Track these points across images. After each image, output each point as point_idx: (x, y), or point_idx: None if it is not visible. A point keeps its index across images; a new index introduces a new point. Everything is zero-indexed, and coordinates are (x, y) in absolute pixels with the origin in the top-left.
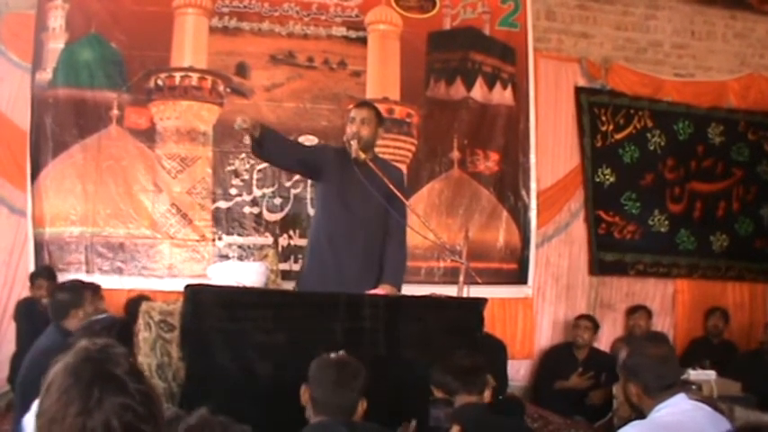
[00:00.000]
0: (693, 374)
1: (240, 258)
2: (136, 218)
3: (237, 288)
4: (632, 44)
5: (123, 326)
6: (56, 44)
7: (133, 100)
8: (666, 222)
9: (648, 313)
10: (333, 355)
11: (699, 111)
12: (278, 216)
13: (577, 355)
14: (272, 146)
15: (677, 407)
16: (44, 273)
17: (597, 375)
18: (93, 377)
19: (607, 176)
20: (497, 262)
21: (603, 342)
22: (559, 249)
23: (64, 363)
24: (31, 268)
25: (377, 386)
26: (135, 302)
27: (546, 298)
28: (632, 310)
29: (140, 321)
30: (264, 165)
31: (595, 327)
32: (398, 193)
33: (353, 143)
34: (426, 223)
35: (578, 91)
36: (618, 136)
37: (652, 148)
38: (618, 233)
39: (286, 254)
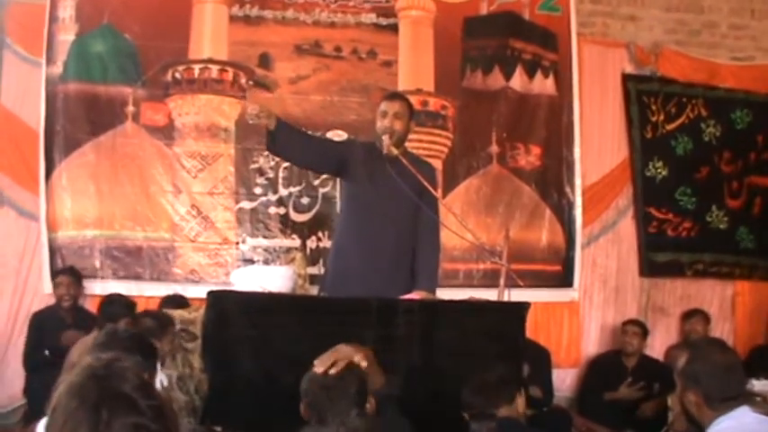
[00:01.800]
0: (758, 385)
1: (265, 262)
2: (154, 220)
3: (263, 294)
4: (684, 26)
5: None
6: (66, 36)
7: (149, 95)
8: (726, 219)
9: (706, 318)
10: (322, 368)
11: (758, 97)
12: (306, 217)
13: (627, 364)
14: (286, 140)
15: (740, 420)
16: (67, 271)
17: (649, 385)
18: (100, 397)
19: (658, 170)
20: (540, 263)
21: (657, 349)
22: (607, 249)
23: (68, 383)
24: (46, 275)
25: (411, 397)
26: (167, 305)
27: (593, 302)
28: (688, 315)
29: None
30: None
31: (644, 332)
32: (431, 189)
33: (386, 139)
34: (464, 223)
35: (626, 78)
36: (669, 126)
37: (707, 139)
38: (671, 231)
39: (314, 257)
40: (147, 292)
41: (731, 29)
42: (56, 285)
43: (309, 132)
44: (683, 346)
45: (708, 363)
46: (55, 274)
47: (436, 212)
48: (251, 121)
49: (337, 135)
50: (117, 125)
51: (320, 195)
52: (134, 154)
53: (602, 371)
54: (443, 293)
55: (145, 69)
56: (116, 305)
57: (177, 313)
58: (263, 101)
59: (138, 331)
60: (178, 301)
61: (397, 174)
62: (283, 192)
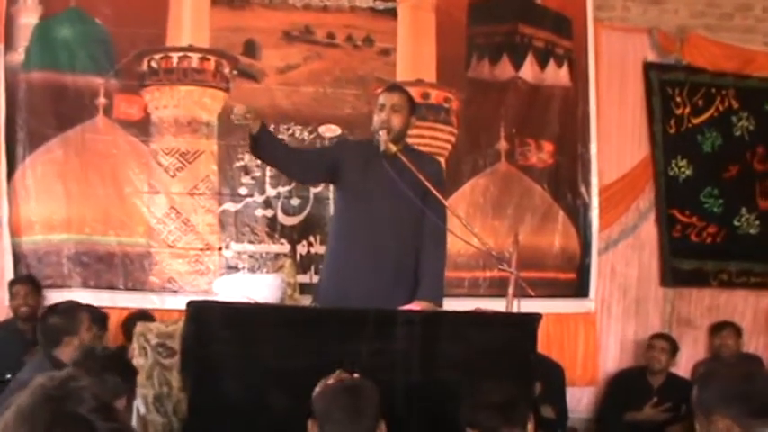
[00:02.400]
0: None
1: (251, 270)
2: (128, 224)
3: (248, 305)
4: (714, 9)
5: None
6: (28, 19)
7: (123, 86)
8: (757, 222)
9: (737, 331)
10: (337, 379)
11: None
12: (296, 220)
13: (652, 382)
14: (269, 145)
15: None
16: (24, 279)
17: (676, 406)
18: (53, 421)
19: (683, 169)
20: (553, 271)
21: (682, 366)
22: (626, 256)
23: (17, 405)
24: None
25: (411, 418)
26: (134, 321)
27: (611, 313)
28: (717, 328)
29: (134, 345)
30: None
31: (673, 348)
32: (435, 190)
33: (383, 134)
34: (469, 226)
35: (648, 67)
36: (696, 120)
37: (738, 133)
38: (695, 236)
39: (305, 264)
40: (120, 302)
41: (767, 12)
42: (12, 296)
43: (295, 145)
44: (713, 363)
45: (728, 380)
46: (11, 283)
47: (442, 215)
48: (236, 122)
49: (330, 130)
50: (87, 119)
51: (312, 196)
52: (106, 151)
53: (624, 389)
54: (446, 304)
55: (117, 57)
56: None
57: (154, 326)
58: (249, 93)
59: (117, 350)
60: (145, 318)
61: (397, 173)
62: (271, 192)
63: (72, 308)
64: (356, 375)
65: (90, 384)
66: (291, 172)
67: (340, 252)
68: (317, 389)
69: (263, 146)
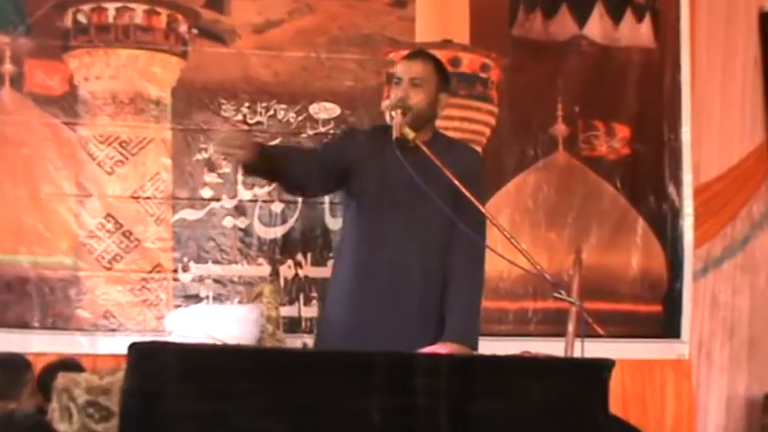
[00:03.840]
0: None
1: (218, 300)
2: (47, 237)
3: (214, 347)
4: None
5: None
6: None
7: (37, 48)
8: None
9: None
10: None
11: None
12: (278, 232)
13: None
14: (269, 162)
15: None
16: None
17: None
18: None
19: None
20: (630, 302)
21: None
22: (735, 281)
23: None
24: None
25: None
26: (54, 372)
27: (713, 361)
28: None
29: (54, 405)
30: None
31: None
32: (468, 191)
33: (396, 116)
34: (514, 240)
35: (765, 20)
36: None
37: None
38: None
39: (292, 292)
40: (35, 346)
41: None
42: None
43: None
44: None
45: None
46: None
47: (479, 225)
48: (218, 154)
49: (325, 110)
50: None
51: (299, 200)
52: (15, 137)
53: None
54: (484, 346)
55: (30, 9)
56: None
57: (83, 378)
58: (215, 60)
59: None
60: (70, 369)
61: (419, 170)
62: (245, 195)
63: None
64: None
65: None
66: (310, 187)
67: (349, 278)
68: None
69: (262, 165)
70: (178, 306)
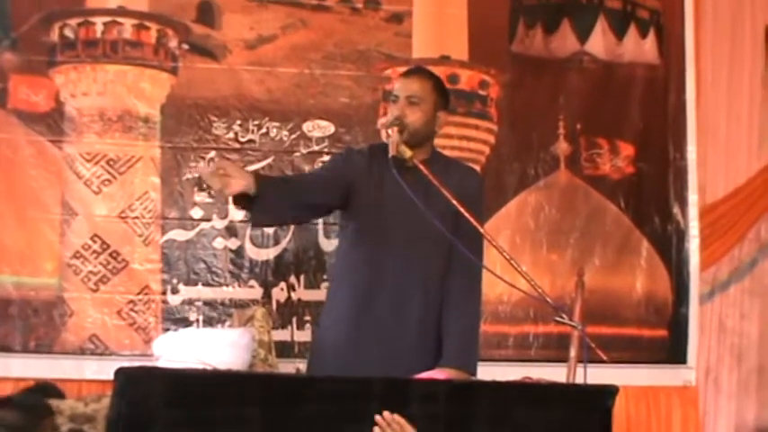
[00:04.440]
0: None
1: (208, 324)
2: (31, 258)
3: (204, 372)
4: None
5: None
6: None
7: (23, 63)
8: None
9: None
10: None
11: None
12: (271, 253)
13: None
14: (275, 200)
15: None
16: None
17: None
18: None
19: None
20: (634, 326)
21: None
22: (742, 305)
23: None
24: None
25: None
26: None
27: (721, 388)
28: None
29: None
30: (248, 168)
31: None
32: (466, 211)
33: (393, 133)
34: (514, 262)
35: None
36: None
37: None
38: None
39: (284, 315)
40: (16, 370)
41: None
42: None
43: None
44: None
45: None
46: None
47: (477, 247)
48: (209, 186)
49: (319, 128)
50: None
51: None
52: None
53: None
54: (483, 371)
55: (15, 23)
56: None
57: (67, 405)
58: (206, 76)
59: None
60: (49, 394)
61: (417, 191)
62: (236, 215)
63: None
64: None
65: None
66: (310, 213)
67: (346, 304)
68: None
69: (269, 206)
70: (167, 330)
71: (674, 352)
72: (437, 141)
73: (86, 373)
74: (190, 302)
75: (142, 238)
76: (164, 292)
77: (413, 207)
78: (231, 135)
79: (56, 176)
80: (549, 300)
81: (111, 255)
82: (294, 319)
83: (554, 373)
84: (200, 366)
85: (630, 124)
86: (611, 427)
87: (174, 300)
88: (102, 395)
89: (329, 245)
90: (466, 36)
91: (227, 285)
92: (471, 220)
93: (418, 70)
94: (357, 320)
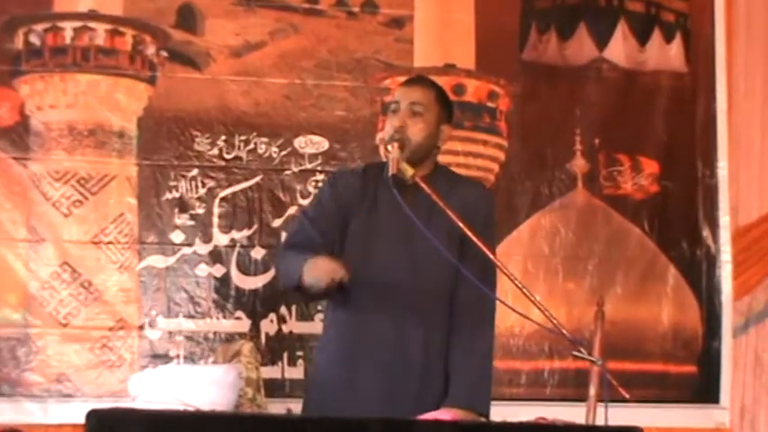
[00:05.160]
0: None
1: (190, 360)
2: None
3: (185, 414)
4: None
5: None
6: None
7: None
8: None
9: None
10: None
11: None
12: (260, 281)
13: None
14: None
15: None
16: None
17: None
18: None
19: None
20: (660, 361)
21: None
22: None
23: None
24: None
25: None
26: None
27: (758, 430)
28: None
29: None
30: (234, 188)
31: None
32: (475, 235)
33: (392, 149)
34: (527, 291)
35: None
36: None
37: None
38: None
39: (275, 350)
40: None
41: None
42: None
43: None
44: None
45: None
46: None
47: (488, 274)
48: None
49: (312, 144)
50: None
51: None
52: None
53: None
54: (494, 411)
55: None
56: None
57: None
58: (187, 86)
59: None
60: None
61: (420, 212)
62: (221, 239)
63: None
64: None
65: None
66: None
67: (343, 341)
68: None
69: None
70: (144, 367)
71: (704, 390)
72: (442, 158)
73: (54, 416)
74: (170, 337)
75: (117, 265)
76: (141, 326)
77: (413, 232)
78: (215, 151)
79: (20, 197)
80: (565, 332)
81: (82, 285)
82: (285, 355)
83: (571, 414)
84: (181, 407)
85: (654, 138)
86: None
87: (152, 334)
88: None
89: None
90: (473, 43)
91: (210, 317)
92: (479, 243)
93: (420, 79)
94: (354, 359)
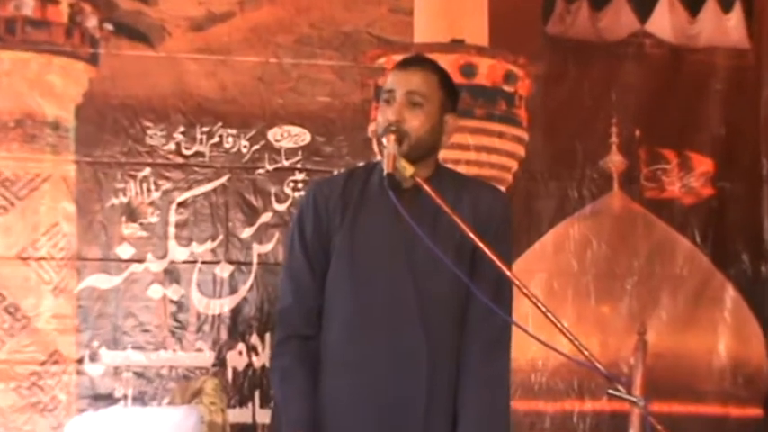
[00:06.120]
0: None
1: (140, 401)
2: None
3: None
4: None
5: None
6: None
7: None
8: None
9: None
10: None
11: None
12: (225, 304)
13: None
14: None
15: None
16: None
17: None
18: None
19: None
20: (717, 402)
21: None
22: None
23: None
24: None
25: None
26: None
27: None
28: None
29: None
30: (195, 191)
31: None
32: (488, 248)
33: (388, 143)
34: (552, 316)
35: None
36: None
37: None
38: None
39: (244, 389)
40: None
41: None
42: None
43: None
44: None
45: None
46: None
47: (503, 295)
48: None
49: (289, 137)
50: None
51: (255, 259)
52: None
53: None
54: None
55: None
56: None
57: None
58: (137, 67)
59: None
60: None
61: (420, 218)
62: (180, 254)
63: None
64: None
65: None
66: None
67: (335, 369)
68: None
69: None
70: (83, 410)
71: None
72: (446, 155)
73: None
74: (115, 373)
75: (50, 286)
76: (79, 360)
77: (415, 244)
78: (172, 146)
79: None
80: (599, 366)
81: (7, 310)
82: (257, 394)
83: None
84: None
85: (708, 130)
86: None
87: (93, 369)
88: None
89: None
90: (486, 13)
91: (165, 348)
92: (492, 257)
93: (419, 61)
94: (344, 404)
